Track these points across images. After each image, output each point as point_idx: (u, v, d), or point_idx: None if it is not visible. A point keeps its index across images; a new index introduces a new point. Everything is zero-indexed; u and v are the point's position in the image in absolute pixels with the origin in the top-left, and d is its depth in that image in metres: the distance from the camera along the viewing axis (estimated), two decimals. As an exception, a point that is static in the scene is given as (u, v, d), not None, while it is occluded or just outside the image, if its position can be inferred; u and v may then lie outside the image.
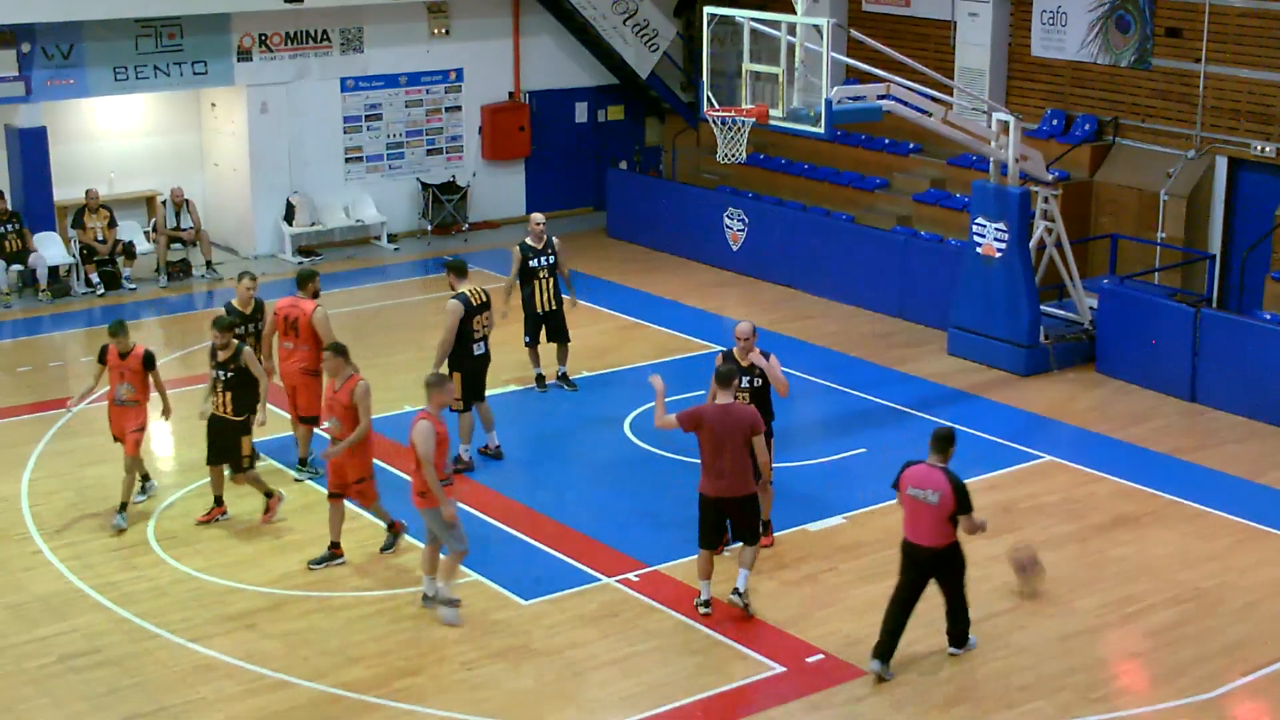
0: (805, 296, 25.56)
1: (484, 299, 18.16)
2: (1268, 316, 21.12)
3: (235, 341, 16.73)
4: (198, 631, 14.53)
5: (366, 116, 28.89)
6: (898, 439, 19.42)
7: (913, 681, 13.67)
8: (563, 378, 20.88)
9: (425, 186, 29.54)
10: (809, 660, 14.10)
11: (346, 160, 28.87)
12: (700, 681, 13.73)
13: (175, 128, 28.45)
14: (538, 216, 20.24)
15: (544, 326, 20.43)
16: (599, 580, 15.58)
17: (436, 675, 13.79)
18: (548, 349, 20.88)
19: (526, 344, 20.55)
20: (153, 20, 26.06)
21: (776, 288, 26.09)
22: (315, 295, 17.97)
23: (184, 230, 26.36)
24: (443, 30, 29.25)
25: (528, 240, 20.13)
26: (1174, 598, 15.31)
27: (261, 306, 18.19)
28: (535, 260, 20.03)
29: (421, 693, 13.51)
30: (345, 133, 28.75)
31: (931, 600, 15.01)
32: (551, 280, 20.19)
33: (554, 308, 20.31)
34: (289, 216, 28.05)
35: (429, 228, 29.45)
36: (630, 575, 15.63)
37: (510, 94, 30.29)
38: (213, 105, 28.32)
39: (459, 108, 29.87)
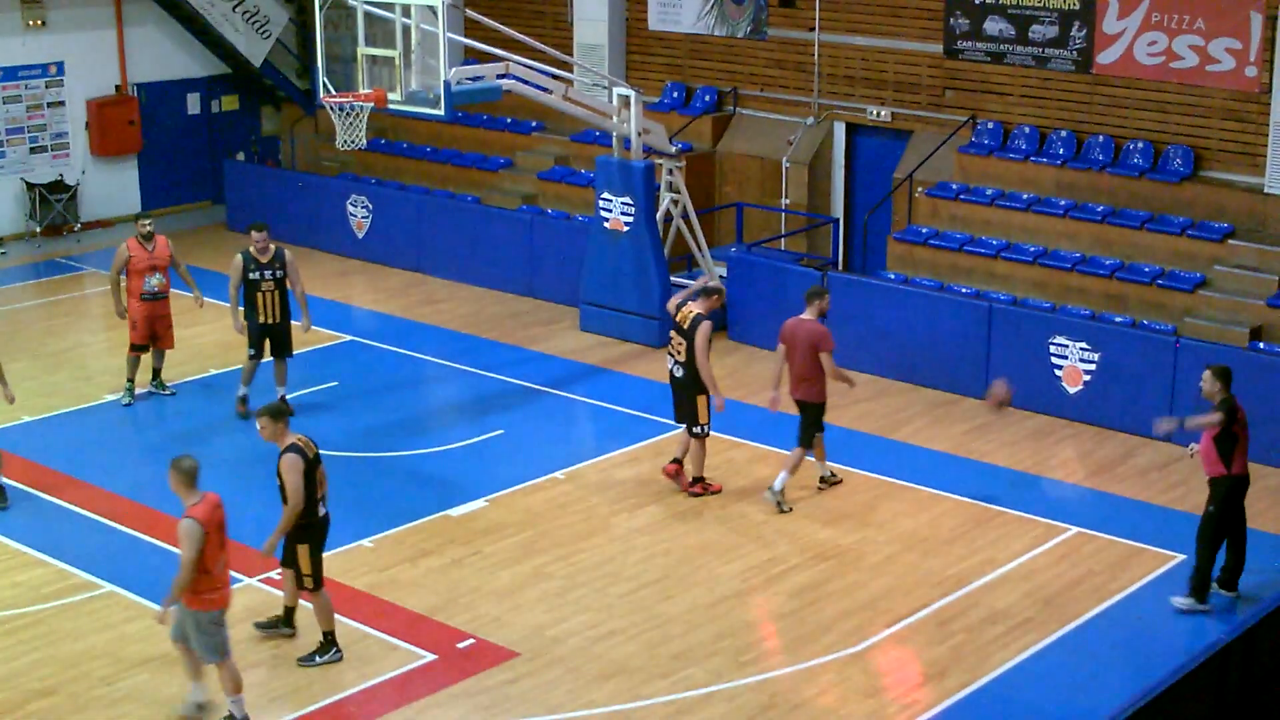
0: (434, 280, 25.21)
1: (269, 260, 18.89)
2: (892, 276, 21.61)
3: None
4: None
5: (-38, 114, 27.48)
6: (534, 418, 19.29)
7: (567, 658, 13.50)
8: (281, 400, 19.23)
9: (31, 186, 28.17)
10: (459, 646, 13.84)
11: (-58, 162, 27.43)
12: (350, 676, 13.32)
13: None
14: (256, 234, 18.95)
15: (268, 338, 19.20)
16: (242, 581, 14.96)
17: None
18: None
19: (251, 356, 19.24)
20: None
21: (404, 273, 25.67)
22: None
23: None
24: (39, 22, 27.88)
25: (251, 250, 18.96)
26: (816, 556, 15.52)
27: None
28: (256, 273, 18.92)
29: None
30: (-60, 133, 27.31)
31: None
32: (277, 293, 19.04)
33: (277, 321, 19.15)
34: (-118, 224, 26.52)
35: (38, 229, 28.11)
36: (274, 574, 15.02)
37: (117, 87, 29.16)
38: None
39: (62, 103, 28.55)
